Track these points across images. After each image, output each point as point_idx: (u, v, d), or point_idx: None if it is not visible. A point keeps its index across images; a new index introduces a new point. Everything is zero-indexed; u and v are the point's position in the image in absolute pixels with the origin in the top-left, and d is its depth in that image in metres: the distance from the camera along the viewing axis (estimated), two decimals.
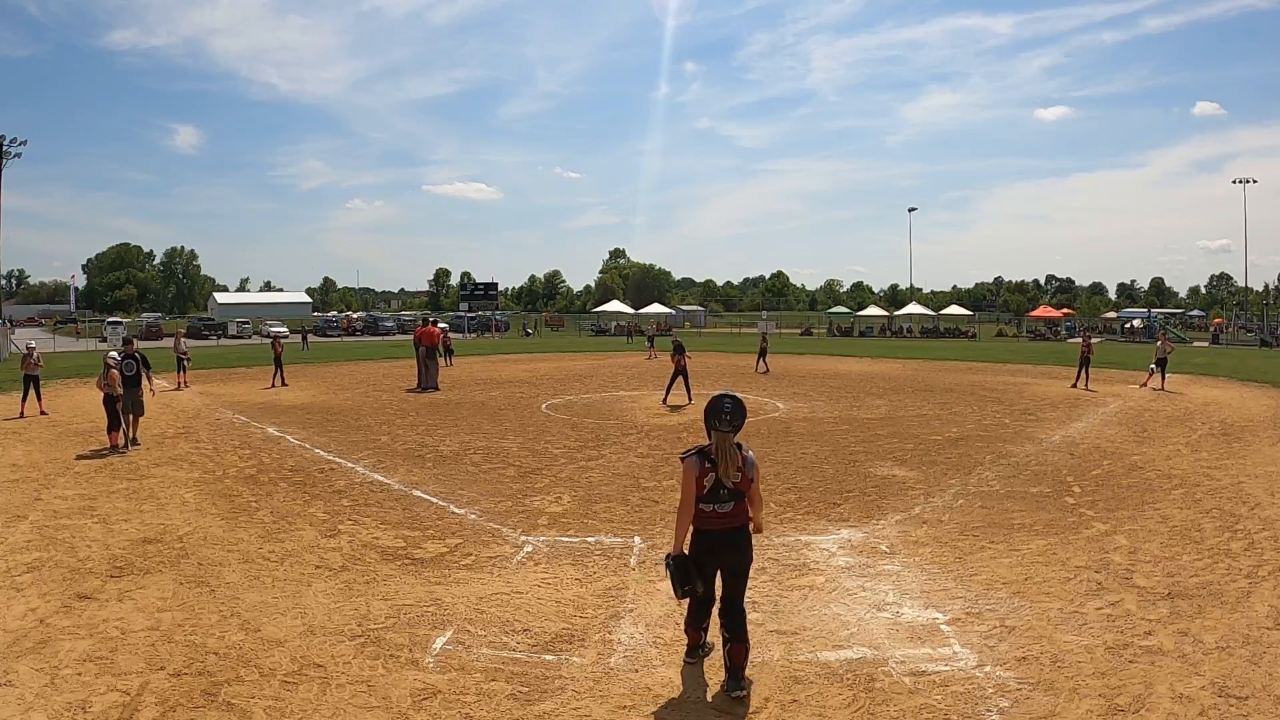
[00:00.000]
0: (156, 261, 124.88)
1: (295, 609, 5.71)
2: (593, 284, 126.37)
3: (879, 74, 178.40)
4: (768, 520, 8.11)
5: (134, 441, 12.13)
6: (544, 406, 17.26)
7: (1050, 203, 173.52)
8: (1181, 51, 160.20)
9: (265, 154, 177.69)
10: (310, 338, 43.77)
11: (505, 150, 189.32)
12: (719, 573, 4.58)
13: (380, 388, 21.49)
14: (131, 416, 12.28)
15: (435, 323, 23.89)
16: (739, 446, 4.46)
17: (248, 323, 61.95)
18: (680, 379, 17.79)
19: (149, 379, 12.84)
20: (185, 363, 21.77)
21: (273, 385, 21.51)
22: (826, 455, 11.57)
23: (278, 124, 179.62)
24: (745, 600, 4.66)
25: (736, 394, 4.51)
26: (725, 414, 4.39)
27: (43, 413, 15.54)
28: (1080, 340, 23.62)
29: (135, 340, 13.70)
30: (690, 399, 17.28)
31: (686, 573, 4.49)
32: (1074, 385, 20.96)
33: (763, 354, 26.92)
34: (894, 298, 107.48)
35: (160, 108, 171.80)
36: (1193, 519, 8.07)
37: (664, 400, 17.58)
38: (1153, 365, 20.98)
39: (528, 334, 64.06)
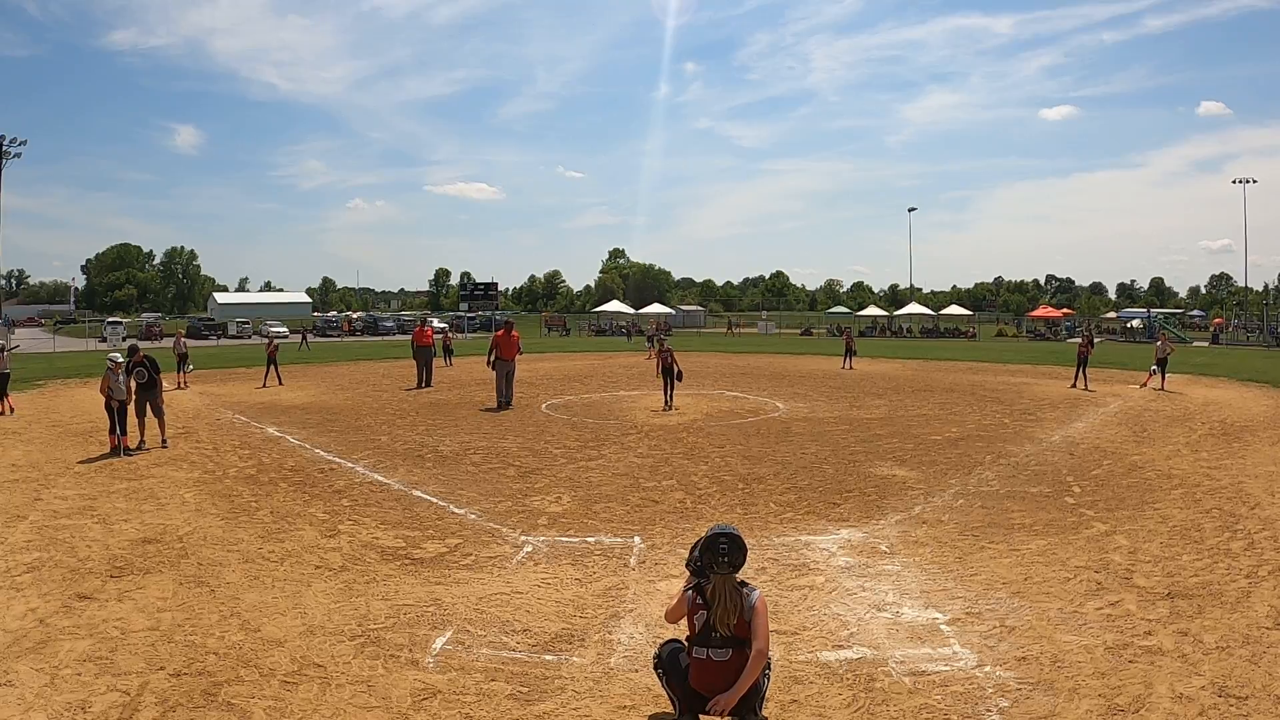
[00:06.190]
0: (156, 261, 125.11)
1: (295, 609, 5.71)
2: (593, 284, 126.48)
3: (879, 74, 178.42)
4: (770, 525, 8.09)
5: (163, 444, 12.22)
6: (544, 406, 17.25)
7: (1050, 203, 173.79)
8: (1182, 51, 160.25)
9: (265, 154, 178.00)
10: (310, 337, 43.76)
11: (506, 150, 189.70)
12: None
13: (380, 388, 21.50)
14: (157, 420, 12.43)
15: (430, 324, 24.06)
16: (741, 586, 3.95)
17: (247, 323, 61.95)
18: (667, 379, 17.04)
19: (160, 382, 12.83)
20: (187, 363, 21.70)
21: (264, 385, 21.45)
22: (826, 455, 11.57)
23: (278, 124, 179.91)
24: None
25: (734, 530, 3.99)
26: (722, 554, 3.91)
27: (10, 409, 15.60)
28: (1081, 339, 23.58)
29: (139, 345, 13.79)
30: (670, 403, 16.72)
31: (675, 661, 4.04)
32: (1073, 385, 20.96)
33: (850, 352, 28.22)
34: (894, 298, 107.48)
35: (160, 108, 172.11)
36: (1193, 519, 8.07)
37: (668, 405, 16.74)
38: (1154, 367, 20.98)
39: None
